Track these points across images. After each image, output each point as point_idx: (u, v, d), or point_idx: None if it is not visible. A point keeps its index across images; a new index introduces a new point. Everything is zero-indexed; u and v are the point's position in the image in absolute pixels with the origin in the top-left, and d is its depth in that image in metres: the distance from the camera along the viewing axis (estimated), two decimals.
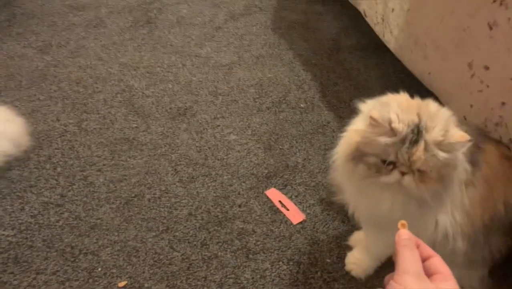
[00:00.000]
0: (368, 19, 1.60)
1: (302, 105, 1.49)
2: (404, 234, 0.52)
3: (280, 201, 1.17)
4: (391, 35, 1.42)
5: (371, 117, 0.71)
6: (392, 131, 0.71)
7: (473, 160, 0.79)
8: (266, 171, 1.26)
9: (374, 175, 0.75)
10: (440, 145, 0.70)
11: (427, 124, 0.71)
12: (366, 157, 0.75)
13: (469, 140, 0.71)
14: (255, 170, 1.26)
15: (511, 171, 0.85)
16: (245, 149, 1.32)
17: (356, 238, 1.07)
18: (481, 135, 0.87)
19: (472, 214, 0.81)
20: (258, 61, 1.69)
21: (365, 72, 1.64)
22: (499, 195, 0.83)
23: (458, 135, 0.71)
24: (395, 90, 0.80)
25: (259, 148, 1.33)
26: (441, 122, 0.72)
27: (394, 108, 0.73)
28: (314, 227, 1.11)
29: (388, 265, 0.98)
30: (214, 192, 1.19)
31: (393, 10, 1.39)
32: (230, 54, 1.72)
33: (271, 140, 1.36)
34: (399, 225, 0.54)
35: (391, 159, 0.72)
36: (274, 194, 1.19)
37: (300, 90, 1.55)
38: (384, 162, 0.73)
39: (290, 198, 1.19)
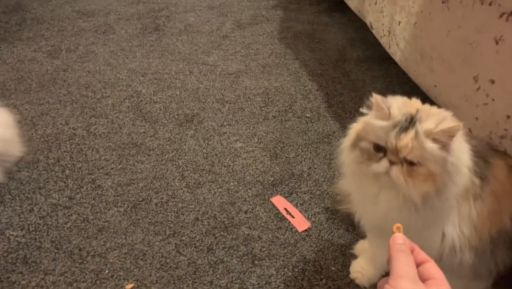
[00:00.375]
0: (374, 32, 1.63)
1: (308, 115, 1.51)
2: (398, 238, 0.52)
3: (285, 209, 1.19)
4: (397, 47, 1.45)
5: (373, 97, 0.75)
6: (389, 116, 0.73)
7: (482, 174, 0.80)
8: (272, 179, 1.27)
9: (365, 162, 0.76)
10: (431, 134, 0.71)
11: (422, 117, 0.72)
12: (361, 142, 0.77)
13: (461, 129, 0.70)
14: (261, 177, 1.27)
15: None
16: (251, 157, 1.34)
17: (361, 246, 1.08)
18: (491, 150, 0.88)
19: (480, 227, 0.82)
20: (264, 70, 1.71)
21: (370, 84, 1.66)
22: (506, 209, 0.84)
23: (451, 123, 0.71)
24: None
25: (265, 155, 1.34)
26: (437, 118, 0.73)
27: (398, 100, 0.77)
28: (319, 235, 1.12)
29: None
30: (221, 198, 1.20)
31: (399, 23, 1.42)
32: (237, 63, 1.74)
33: (277, 148, 1.37)
34: (394, 228, 0.53)
35: (381, 142, 0.74)
36: (279, 201, 1.21)
37: (306, 100, 1.57)
38: (376, 148, 0.75)
39: (296, 205, 1.20)
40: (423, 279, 0.49)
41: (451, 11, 1.15)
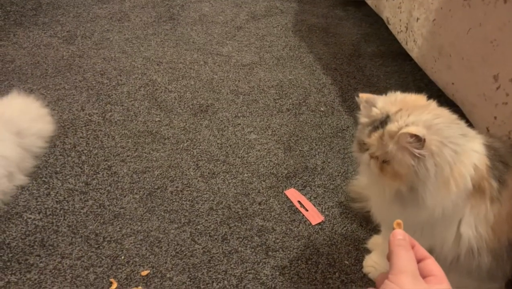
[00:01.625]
0: (391, 27, 1.62)
1: (322, 109, 1.51)
2: (398, 233, 0.52)
3: (299, 201, 1.19)
4: (414, 44, 1.44)
5: (360, 96, 0.80)
6: (370, 114, 0.78)
7: (501, 177, 0.80)
8: (286, 171, 1.28)
9: (358, 152, 0.82)
10: (394, 136, 0.72)
11: (396, 117, 0.74)
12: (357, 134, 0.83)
13: (416, 136, 0.70)
14: (275, 169, 1.28)
15: None
16: (265, 149, 1.34)
17: (375, 241, 1.08)
18: None
19: (497, 230, 0.82)
20: (278, 62, 1.71)
21: (384, 79, 1.66)
22: None
23: (410, 128, 0.71)
24: None
25: (279, 148, 1.35)
26: (411, 120, 0.73)
27: (388, 97, 0.79)
28: (332, 229, 1.13)
29: None
30: (235, 189, 1.21)
31: (417, 19, 1.41)
32: (251, 54, 1.74)
33: (291, 141, 1.37)
34: (394, 224, 0.53)
35: (359, 138, 0.80)
36: (293, 194, 1.21)
37: (320, 93, 1.57)
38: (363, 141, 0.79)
39: (309, 199, 1.20)
40: (423, 275, 0.49)
41: (473, 8, 1.15)
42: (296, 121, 1.45)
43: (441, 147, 0.73)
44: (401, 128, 0.72)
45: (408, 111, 0.75)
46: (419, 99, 0.81)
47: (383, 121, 0.75)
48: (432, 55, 1.34)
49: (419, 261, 0.51)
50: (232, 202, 1.17)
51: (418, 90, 1.63)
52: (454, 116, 0.81)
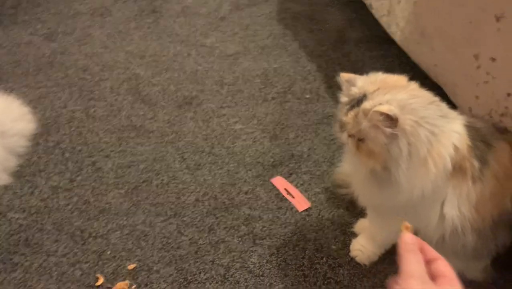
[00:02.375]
0: (374, 11, 1.61)
1: (307, 96, 1.50)
2: (408, 238, 0.52)
3: (285, 189, 1.19)
4: (397, 27, 1.43)
5: (341, 76, 0.81)
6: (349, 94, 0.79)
7: (482, 157, 0.80)
8: (272, 160, 1.27)
9: (338, 131, 0.82)
10: (367, 113, 0.73)
11: (370, 96, 0.75)
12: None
13: (387, 115, 0.70)
14: (261, 158, 1.28)
15: None
16: (251, 138, 1.34)
17: (361, 225, 1.08)
18: (496, 134, 0.86)
19: (481, 209, 0.82)
20: (263, 51, 1.70)
21: (370, 65, 1.65)
22: (508, 192, 0.84)
23: (381, 107, 0.71)
24: None
25: (264, 137, 1.34)
26: (386, 99, 0.73)
27: (368, 77, 0.80)
28: (319, 215, 1.13)
29: (391, 252, 1.00)
30: (221, 179, 1.21)
31: (399, 2, 1.40)
32: (235, 44, 1.73)
33: (276, 130, 1.37)
34: (403, 227, 0.53)
35: (339, 117, 0.81)
36: (279, 182, 1.21)
37: (305, 81, 1.56)
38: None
39: (296, 186, 1.20)
40: (433, 276, 0.50)
41: None
42: (282, 109, 1.44)
43: (416, 127, 0.73)
44: (375, 106, 0.71)
45: (386, 91, 0.74)
46: (399, 80, 0.81)
47: (360, 100, 0.75)
48: (415, 37, 1.33)
49: (429, 262, 0.51)
50: (218, 193, 1.17)
51: (403, 74, 1.63)
52: (434, 98, 0.80)
